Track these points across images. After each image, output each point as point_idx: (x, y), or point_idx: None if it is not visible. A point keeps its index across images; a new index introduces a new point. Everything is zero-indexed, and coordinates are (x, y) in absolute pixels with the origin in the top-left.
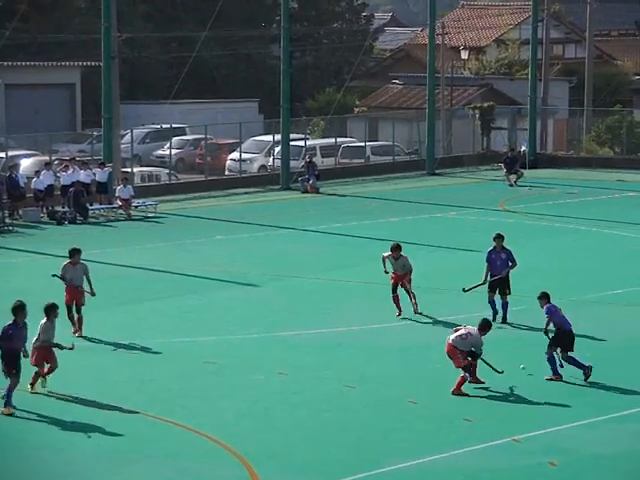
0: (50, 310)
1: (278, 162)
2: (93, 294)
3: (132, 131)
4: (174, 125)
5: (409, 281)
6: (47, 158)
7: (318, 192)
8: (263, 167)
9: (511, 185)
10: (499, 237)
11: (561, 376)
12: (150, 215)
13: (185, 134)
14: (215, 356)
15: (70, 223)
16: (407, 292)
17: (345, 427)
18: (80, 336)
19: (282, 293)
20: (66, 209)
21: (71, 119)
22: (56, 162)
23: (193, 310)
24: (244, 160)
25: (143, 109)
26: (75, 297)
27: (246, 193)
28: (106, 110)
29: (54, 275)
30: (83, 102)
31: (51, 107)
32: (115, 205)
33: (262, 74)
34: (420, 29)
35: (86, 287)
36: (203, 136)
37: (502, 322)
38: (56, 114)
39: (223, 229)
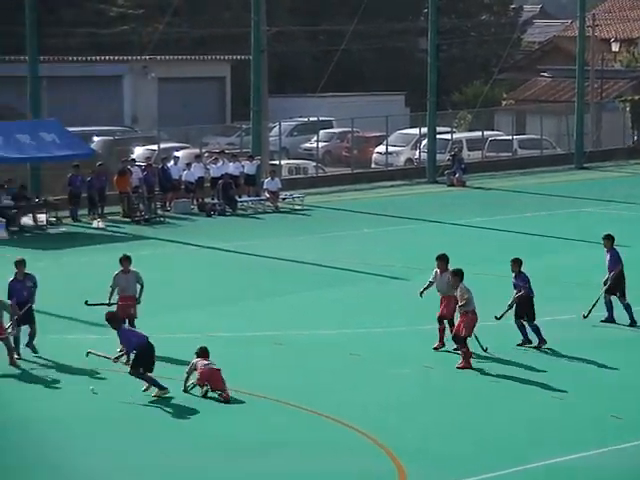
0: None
1: (424, 155)
2: (138, 302)
3: (280, 124)
4: (321, 118)
5: (453, 310)
6: (197, 151)
7: (464, 185)
8: (409, 160)
9: None
10: (608, 238)
11: None
12: (297, 207)
13: (332, 127)
14: (359, 348)
15: (219, 215)
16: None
17: (490, 422)
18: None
19: None
20: (215, 201)
21: (221, 112)
22: (206, 154)
23: (338, 302)
24: (390, 153)
25: (291, 102)
26: (127, 309)
27: (392, 186)
28: (255, 103)
29: (88, 303)
30: (232, 95)
31: (201, 100)
32: (263, 197)
33: (409, 67)
34: (570, 21)
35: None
36: (350, 129)
37: (630, 325)
38: (206, 107)
39: (369, 222)
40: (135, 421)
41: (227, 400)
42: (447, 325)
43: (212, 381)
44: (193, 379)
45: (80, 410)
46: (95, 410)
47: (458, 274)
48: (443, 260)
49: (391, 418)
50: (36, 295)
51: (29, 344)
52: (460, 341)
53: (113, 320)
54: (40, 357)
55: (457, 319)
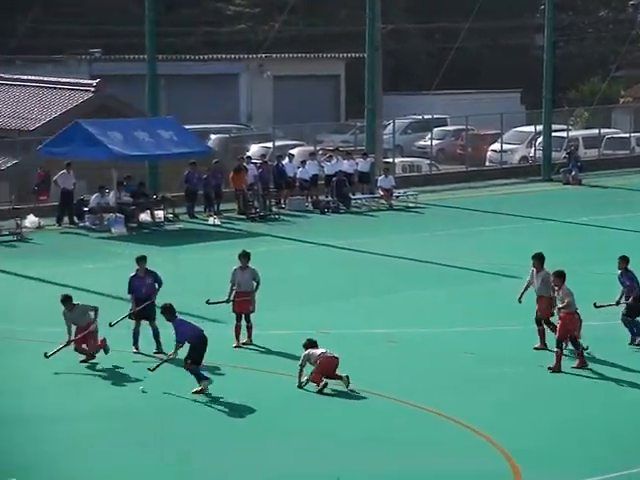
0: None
1: (540, 153)
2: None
3: (394, 122)
4: (435, 116)
5: (547, 310)
6: (312, 148)
7: (580, 184)
8: (524, 158)
9: None
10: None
11: None
12: (411, 205)
13: (446, 125)
14: (474, 347)
15: (333, 212)
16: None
17: (606, 422)
18: (246, 344)
19: None
20: (329, 198)
21: (335, 110)
22: (320, 152)
23: (452, 301)
24: (505, 151)
25: (405, 100)
26: (244, 305)
27: (506, 184)
28: (369, 101)
29: (209, 302)
30: (347, 93)
31: (316, 98)
32: (377, 195)
33: (525, 64)
34: None
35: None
36: (464, 127)
37: None
38: (321, 105)
39: (484, 220)
40: (252, 419)
41: (348, 383)
42: (545, 326)
43: (330, 370)
44: (307, 373)
45: (203, 406)
46: (218, 406)
47: (561, 275)
48: (539, 259)
49: (505, 417)
50: (158, 293)
51: (157, 347)
52: (573, 342)
53: (167, 312)
54: (162, 353)
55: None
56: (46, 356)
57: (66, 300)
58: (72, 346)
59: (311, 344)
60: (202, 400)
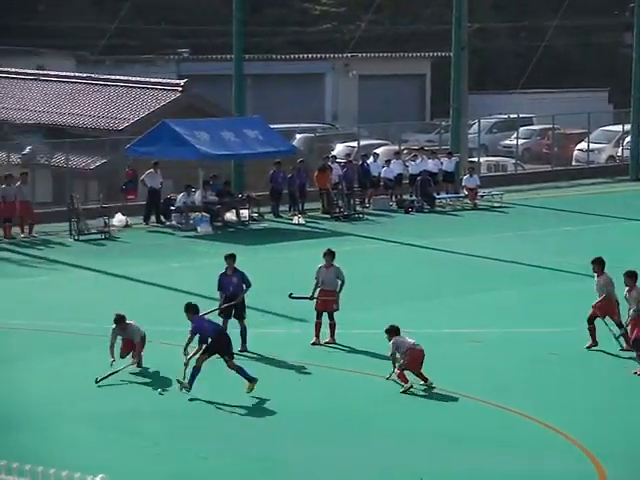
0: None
1: (627, 152)
2: (337, 297)
3: (479, 121)
4: (521, 115)
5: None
6: (397, 148)
7: None
8: (611, 158)
9: None
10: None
11: None
12: (496, 205)
13: (532, 124)
14: (558, 347)
15: (417, 212)
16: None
17: None
18: (329, 343)
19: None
20: (414, 198)
21: (420, 109)
22: (405, 151)
23: (537, 301)
24: (592, 150)
25: (491, 99)
26: (327, 303)
27: (593, 184)
28: (455, 100)
29: (292, 296)
30: (432, 92)
31: (401, 97)
32: (461, 194)
33: (613, 63)
34: None
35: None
36: (550, 126)
37: None
38: (406, 104)
39: (569, 220)
40: (337, 418)
41: (430, 387)
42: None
43: (418, 364)
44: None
45: (284, 404)
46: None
47: (632, 276)
48: (598, 264)
49: (590, 419)
50: (246, 293)
51: (242, 345)
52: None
53: (190, 310)
54: (246, 351)
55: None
56: (97, 381)
57: (121, 320)
58: (134, 367)
59: (395, 330)
60: (284, 398)
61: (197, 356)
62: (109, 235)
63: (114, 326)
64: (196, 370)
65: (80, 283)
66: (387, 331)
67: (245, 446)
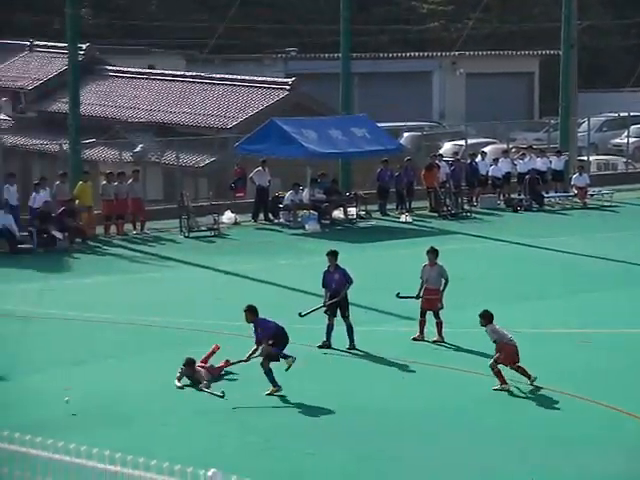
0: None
1: None
2: (441, 296)
3: (589, 119)
4: (632, 113)
5: None
6: (505, 146)
7: None
8: None
9: None
10: None
11: None
12: (606, 204)
13: None
14: None
15: (525, 210)
16: None
17: None
18: (437, 342)
19: None
20: (522, 196)
21: (528, 108)
22: (513, 150)
23: None
24: None
25: (601, 97)
26: (432, 301)
27: None
28: (563, 98)
29: (399, 296)
30: (541, 90)
31: (509, 96)
32: (571, 193)
33: None
34: None
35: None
36: None
37: None
38: (514, 103)
39: None
40: (445, 417)
41: (533, 383)
42: None
43: (513, 359)
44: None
45: (395, 400)
46: (410, 401)
47: None
48: None
49: None
50: (347, 289)
51: (350, 343)
52: None
53: (250, 312)
54: (355, 349)
55: None
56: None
57: (190, 363)
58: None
59: (490, 316)
60: (389, 397)
61: (262, 360)
62: (218, 232)
63: (182, 367)
64: (269, 372)
65: (190, 280)
66: (482, 316)
67: (352, 444)
